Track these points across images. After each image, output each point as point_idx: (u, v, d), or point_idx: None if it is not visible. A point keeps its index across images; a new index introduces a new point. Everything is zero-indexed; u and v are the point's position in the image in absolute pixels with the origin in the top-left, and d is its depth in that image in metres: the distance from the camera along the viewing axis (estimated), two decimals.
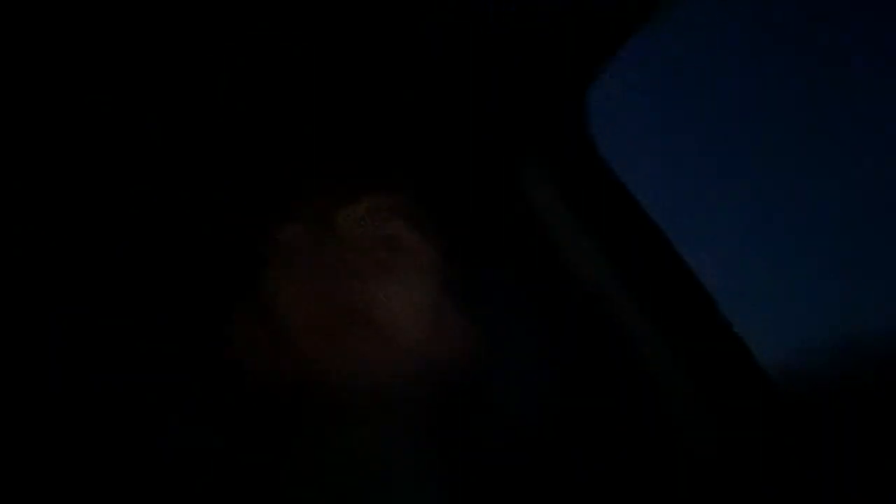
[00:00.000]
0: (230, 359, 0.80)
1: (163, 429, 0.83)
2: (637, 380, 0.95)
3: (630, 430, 0.94)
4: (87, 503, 0.76)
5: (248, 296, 0.79)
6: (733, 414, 0.91)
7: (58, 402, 0.87)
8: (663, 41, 0.93)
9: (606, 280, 0.97)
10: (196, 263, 0.97)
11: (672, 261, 0.98)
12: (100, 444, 0.85)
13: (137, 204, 0.93)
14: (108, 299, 0.91)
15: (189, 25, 0.80)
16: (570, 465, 0.85)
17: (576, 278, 0.96)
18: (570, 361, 0.96)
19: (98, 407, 0.90)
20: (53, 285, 0.90)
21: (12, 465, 0.80)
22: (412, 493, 0.75)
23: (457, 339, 0.79)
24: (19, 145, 0.88)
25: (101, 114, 0.86)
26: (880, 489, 0.83)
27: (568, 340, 0.97)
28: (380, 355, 0.72)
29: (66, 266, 0.90)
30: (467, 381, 0.83)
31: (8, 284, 0.89)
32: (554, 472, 0.84)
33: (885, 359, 1.16)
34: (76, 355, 0.89)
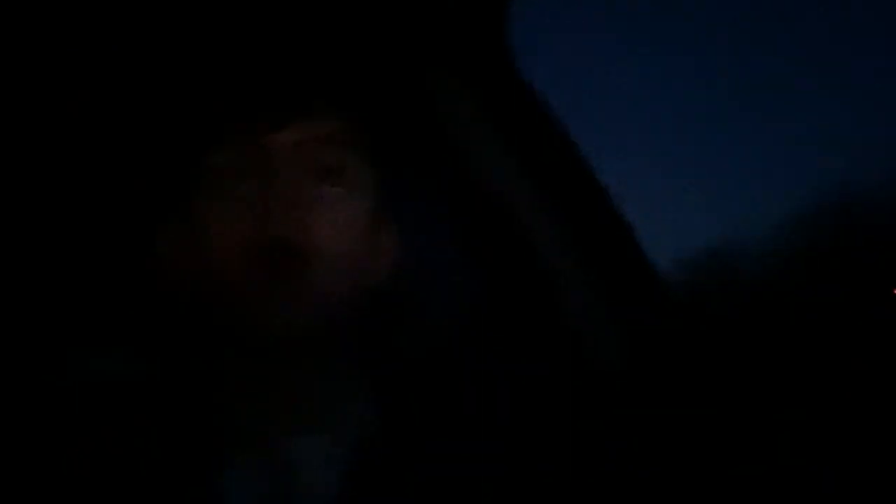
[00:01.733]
0: (155, 282, 0.79)
1: (83, 351, 0.83)
2: (547, 289, 0.99)
3: (539, 339, 0.99)
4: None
5: (175, 218, 0.77)
6: (634, 323, 0.97)
7: None
8: None
9: (521, 191, 1.00)
10: (122, 180, 0.94)
11: (582, 173, 1.01)
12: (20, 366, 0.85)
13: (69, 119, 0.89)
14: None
15: None
16: (488, 374, 0.89)
17: (492, 190, 0.99)
18: (487, 273, 0.99)
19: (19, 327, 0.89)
20: None
21: None
22: (344, 417, 0.77)
23: (386, 262, 0.80)
24: None
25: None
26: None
27: (485, 251, 1.00)
28: (309, 283, 0.72)
29: None
30: (395, 300, 0.85)
31: None
32: (473, 380, 0.88)
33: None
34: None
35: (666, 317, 1.00)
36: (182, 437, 0.76)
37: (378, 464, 0.76)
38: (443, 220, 0.99)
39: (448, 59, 0.97)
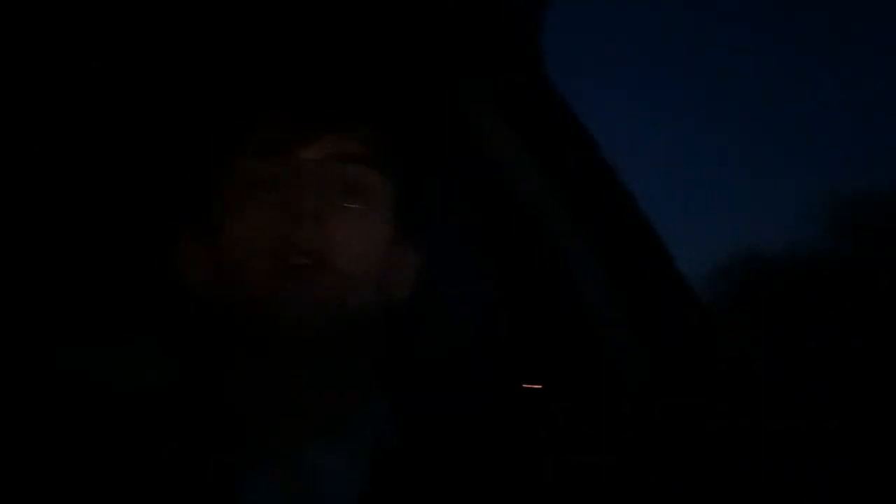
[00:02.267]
0: (179, 285, 0.80)
1: (106, 351, 0.84)
2: (572, 298, 0.99)
3: (561, 346, 0.99)
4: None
5: (202, 223, 0.78)
6: (661, 336, 0.96)
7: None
8: None
9: (545, 198, 0.99)
10: (152, 183, 0.95)
11: (610, 183, 1.00)
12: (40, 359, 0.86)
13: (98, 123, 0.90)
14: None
15: None
16: (508, 381, 0.89)
17: (520, 201, 0.98)
18: (511, 281, 0.99)
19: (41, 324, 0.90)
20: None
21: None
22: (365, 425, 0.78)
23: (407, 275, 0.81)
24: None
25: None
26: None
27: (510, 260, 1.00)
28: (329, 292, 0.73)
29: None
30: (417, 311, 0.86)
31: None
32: (493, 388, 0.88)
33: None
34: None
35: (692, 328, 0.99)
36: (203, 442, 0.77)
37: (398, 471, 0.77)
38: (468, 228, 0.99)
39: (478, 73, 0.97)
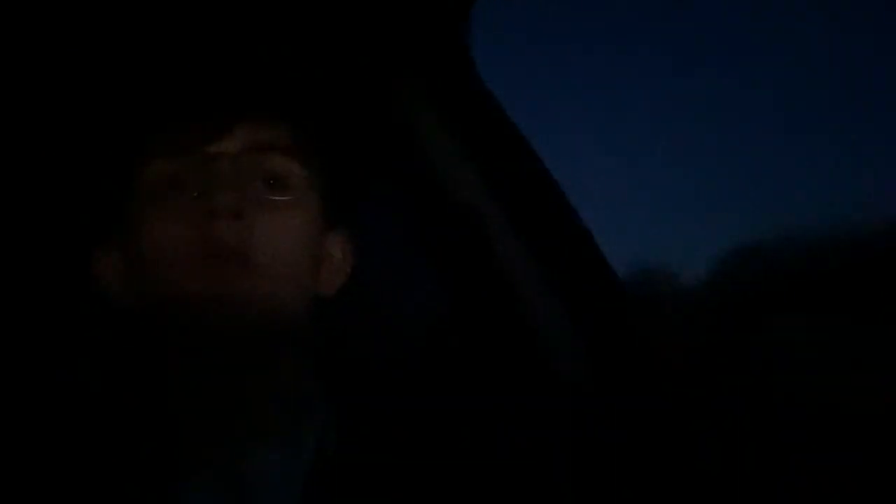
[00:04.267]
0: (95, 295, 0.77)
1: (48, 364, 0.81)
2: (510, 296, 0.99)
3: (503, 346, 0.99)
4: None
5: (119, 229, 0.76)
6: (597, 330, 0.97)
7: None
8: None
9: (483, 201, 1.00)
10: (61, 196, 0.92)
11: (544, 183, 1.01)
12: None
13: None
14: None
15: None
16: (451, 382, 0.88)
17: (455, 198, 0.98)
18: (449, 280, 0.99)
19: None
20: None
21: None
22: (301, 430, 0.76)
23: (339, 270, 0.80)
24: None
25: None
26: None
27: (447, 258, 1.00)
28: (257, 293, 0.71)
29: None
30: (354, 308, 0.84)
31: None
32: (435, 389, 0.87)
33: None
34: None
35: (628, 322, 1.00)
36: (137, 450, 0.74)
37: (338, 477, 0.75)
38: (404, 227, 0.99)
39: (408, 64, 0.97)
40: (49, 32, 0.88)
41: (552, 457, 0.79)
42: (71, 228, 0.88)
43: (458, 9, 0.94)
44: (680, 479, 0.87)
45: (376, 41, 0.93)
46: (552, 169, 0.99)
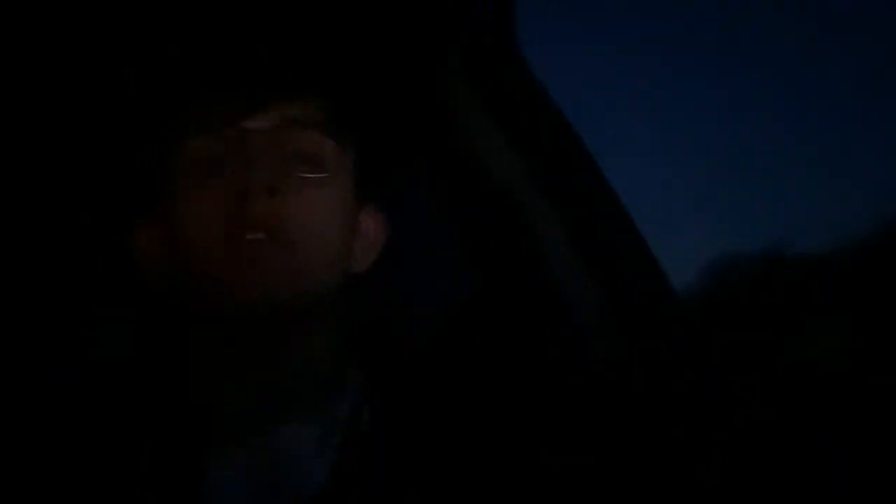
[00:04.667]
0: (137, 269, 0.78)
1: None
2: (545, 281, 0.97)
3: (536, 333, 0.97)
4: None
5: (155, 206, 0.76)
6: (636, 323, 0.95)
7: None
8: None
9: (522, 183, 0.98)
10: (99, 172, 0.93)
11: (587, 167, 0.99)
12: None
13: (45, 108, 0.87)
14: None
15: None
16: (480, 366, 0.87)
17: (492, 182, 0.97)
18: (484, 264, 0.97)
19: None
20: None
21: None
22: (333, 406, 0.76)
23: (370, 248, 0.79)
24: None
25: None
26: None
27: (483, 243, 0.98)
28: (289, 268, 0.71)
29: None
30: (385, 286, 0.83)
31: None
32: (465, 371, 0.86)
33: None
34: None
35: (669, 317, 0.98)
36: (169, 426, 0.74)
37: (371, 453, 0.75)
38: (439, 209, 0.97)
39: (442, 38, 0.95)
40: (90, 14, 0.89)
41: (582, 437, 0.78)
42: (113, 203, 0.88)
43: None
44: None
45: (410, 14, 0.91)
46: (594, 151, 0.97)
